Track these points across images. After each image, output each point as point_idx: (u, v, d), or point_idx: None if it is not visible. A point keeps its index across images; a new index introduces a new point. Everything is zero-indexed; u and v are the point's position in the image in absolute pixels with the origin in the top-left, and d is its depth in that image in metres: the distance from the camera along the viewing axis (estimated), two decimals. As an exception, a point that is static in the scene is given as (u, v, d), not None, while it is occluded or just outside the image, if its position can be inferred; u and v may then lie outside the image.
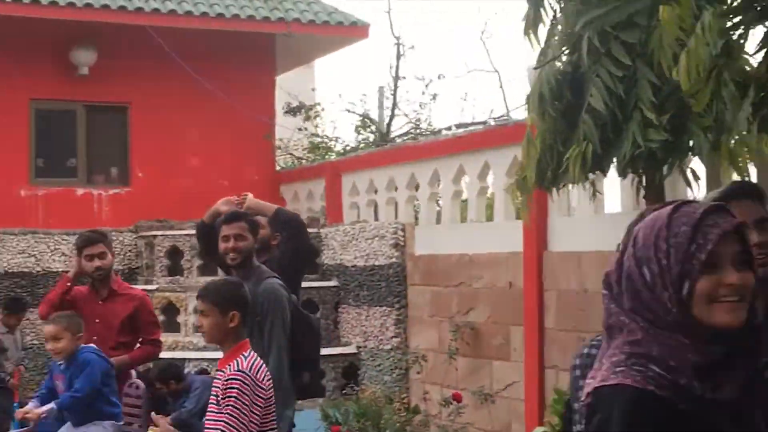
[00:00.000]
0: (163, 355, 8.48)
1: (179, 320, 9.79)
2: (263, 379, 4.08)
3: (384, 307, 9.14)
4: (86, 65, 10.96)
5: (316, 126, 13.42)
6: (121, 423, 5.94)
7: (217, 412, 4.04)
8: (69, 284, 6.22)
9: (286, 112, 12.91)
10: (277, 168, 12.43)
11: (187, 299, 9.80)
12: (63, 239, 10.71)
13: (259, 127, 11.84)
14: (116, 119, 11.46)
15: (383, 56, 27.13)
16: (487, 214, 8.94)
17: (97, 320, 6.30)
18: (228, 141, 11.82)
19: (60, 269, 10.58)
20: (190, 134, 11.67)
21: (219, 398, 4.04)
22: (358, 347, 9.44)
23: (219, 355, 9.03)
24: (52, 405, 5.66)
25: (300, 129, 13.46)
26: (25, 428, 5.94)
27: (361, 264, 9.44)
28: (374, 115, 14.10)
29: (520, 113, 14.73)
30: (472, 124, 12.50)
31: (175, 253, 10.34)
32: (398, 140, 13.54)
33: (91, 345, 5.89)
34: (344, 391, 9.11)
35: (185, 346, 9.60)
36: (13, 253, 10.48)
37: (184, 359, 9.36)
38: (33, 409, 5.75)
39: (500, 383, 7.72)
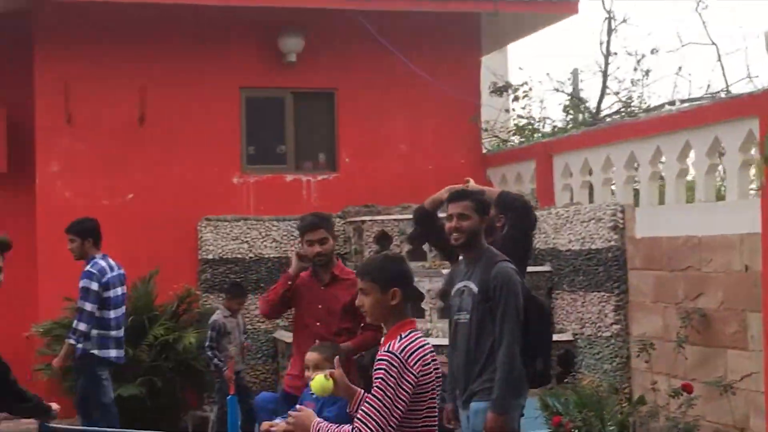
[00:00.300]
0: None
1: (390, 306, 9.63)
2: (414, 364, 3.70)
3: (602, 293, 8.70)
4: (294, 52, 11.00)
5: (524, 107, 13.01)
6: None
7: None
8: (290, 283, 6.11)
9: (492, 92, 12.57)
10: (483, 151, 12.12)
11: (397, 285, 9.66)
12: (273, 225, 10.82)
13: (465, 109, 11.58)
14: (323, 105, 11.46)
15: (588, 32, 26.05)
16: (716, 194, 8.33)
17: (319, 306, 6.21)
18: (434, 124, 11.63)
19: (271, 255, 10.71)
20: (396, 118, 11.54)
21: None
22: (574, 334, 9.03)
23: (437, 341, 8.93)
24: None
25: (507, 110, 13.10)
26: None
27: (577, 248, 9.03)
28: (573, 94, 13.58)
29: (741, 87, 13.88)
30: (698, 99, 11.78)
31: (383, 238, 10.25)
32: (608, 119, 12.96)
33: None
34: (566, 380, 8.75)
35: (396, 332, 9.44)
36: (226, 239, 10.67)
37: (396, 345, 9.21)
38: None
39: (736, 374, 7.15)
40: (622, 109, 13.30)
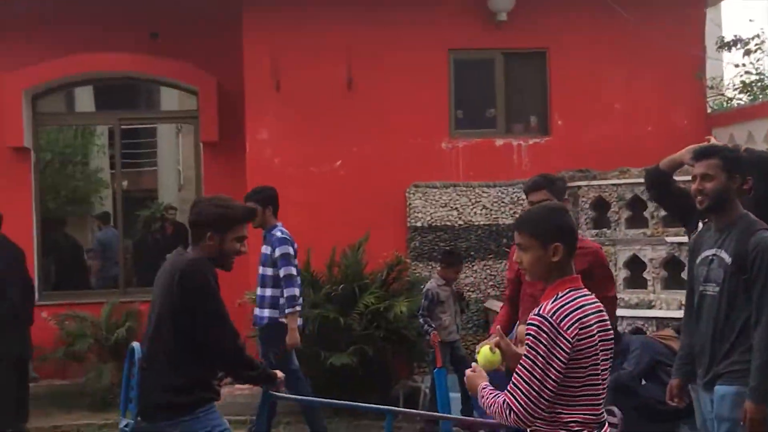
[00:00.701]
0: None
1: (614, 278, 9.07)
2: (569, 327, 3.32)
3: None
4: (504, 11, 10.52)
5: (757, 60, 12.00)
6: None
7: None
8: None
9: (719, 48, 11.67)
10: (708, 110, 11.28)
11: (617, 253, 9.11)
12: (483, 192, 10.45)
13: (687, 65, 10.80)
14: (534, 66, 10.94)
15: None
16: None
17: None
18: (653, 82, 10.91)
19: (481, 222, 10.36)
20: (612, 77, 10.89)
21: None
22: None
23: (660, 313, 8.32)
24: None
25: (737, 65, 12.12)
26: None
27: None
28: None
29: None
30: None
31: (600, 205, 9.68)
32: None
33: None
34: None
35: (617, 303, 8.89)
36: (435, 206, 10.38)
37: (617, 317, 8.66)
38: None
39: None
40: None
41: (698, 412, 4.85)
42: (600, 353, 3.42)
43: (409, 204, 10.39)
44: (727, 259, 4.55)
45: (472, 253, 10.33)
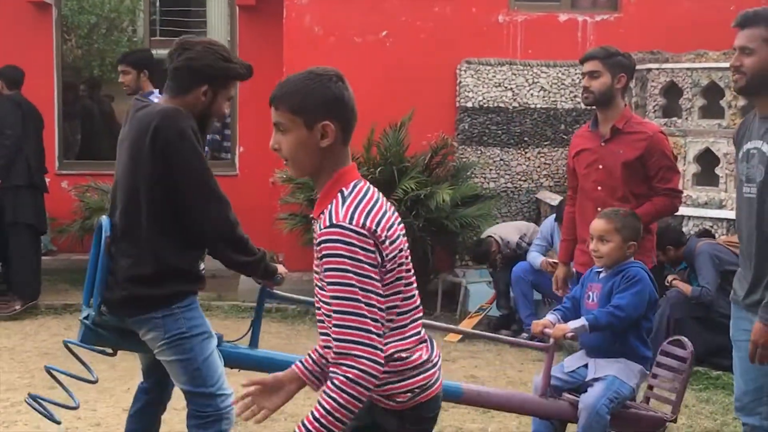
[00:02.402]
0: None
1: (678, 168, 8.19)
2: (376, 229, 2.54)
3: None
4: None
5: None
6: (648, 374, 4.58)
7: None
8: None
9: None
10: (800, -10, 10.13)
11: (687, 145, 8.20)
12: (542, 71, 9.50)
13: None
14: (606, -68, 9.83)
15: None
16: None
17: (600, 166, 5.06)
18: (739, -44, 9.76)
19: (538, 105, 9.47)
20: (693, -52, 9.76)
21: None
22: None
23: (725, 213, 7.45)
24: (582, 321, 4.39)
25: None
26: (543, 345, 4.79)
27: None
28: None
29: None
30: None
31: (672, 91, 8.70)
32: None
33: (639, 262, 4.61)
34: None
35: (683, 201, 8.01)
36: (489, 86, 9.47)
37: (683, 217, 7.83)
38: (554, 323, 4.52)
39: None
40: None
41: (734, 330, 4.02)
42: (406, 260, 2.67)
43: (460, 82, 9.47)
44: None
45: (526, 138, 9.46)
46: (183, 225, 3.68)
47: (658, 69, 8.77)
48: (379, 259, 2.52)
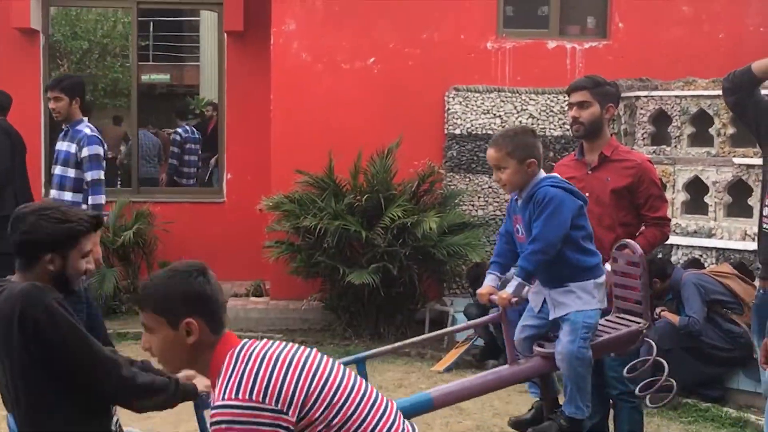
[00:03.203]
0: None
1: (666, 197, 8.14)
2: (278, 390, 2.54)
3: None
4: None
5: None
6: (602, 279, 4.40)
7: None
8: None
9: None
10: (789, 17, 10.12)
11: (676, 173, 8.14)
12: (531, 99, 9.45)
13: (768, -34, 9.63)
14: (595, -40, 9.83)
15: None
16: None
17: (587, 194, 4.99)
18: (727, -16, 9.76)
19: (527, 133, 9.37)
20: (682, -24, 9.75)
21: None
22: None
23: (721, 243, 7.39)
24: (516, 280, 4.23)
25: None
26: (491, 315, 4.69)
27: None
28: None
29: None
30: None
31: (661, 119, 8.65)
32: None
33: (554, 175, 4.45)
34: None
35: (672, 229, 7.93)
36: (477, 113, 9.41)
37: (671, 246, 7.76)
38: (496, 285, 4.38)
39: None
40: None
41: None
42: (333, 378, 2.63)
43: (448, 109, 9.42)
44: None
45: (515, 166, 9.39)
46: (78, 397, 3.34)
47: (647, 96, 8.73)
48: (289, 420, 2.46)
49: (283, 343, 2.70)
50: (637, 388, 4.54)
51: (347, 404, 2.56)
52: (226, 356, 2.59)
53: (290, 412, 2.46)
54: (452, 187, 9.27)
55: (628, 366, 4.64)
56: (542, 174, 4.35)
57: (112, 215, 9.70)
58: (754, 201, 7.46)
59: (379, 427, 2.61)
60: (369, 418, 2.60)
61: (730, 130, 8.00)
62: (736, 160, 7.76)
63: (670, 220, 5.20)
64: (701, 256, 7.66)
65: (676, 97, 8.51)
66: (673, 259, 7.69)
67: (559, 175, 4.46)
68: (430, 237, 8.31)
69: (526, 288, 4.30)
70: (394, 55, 9.48)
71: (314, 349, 2.72)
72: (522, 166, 4.28)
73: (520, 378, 4.43)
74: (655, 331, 6.78)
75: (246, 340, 2.67)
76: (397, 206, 8.34)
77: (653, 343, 4.63)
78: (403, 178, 8.88)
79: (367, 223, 8.35)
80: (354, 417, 2.56)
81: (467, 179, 9.34)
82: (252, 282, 9.92)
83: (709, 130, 8.22)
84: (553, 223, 4.20)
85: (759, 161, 5.90)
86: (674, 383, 4.52)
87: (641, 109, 8.74)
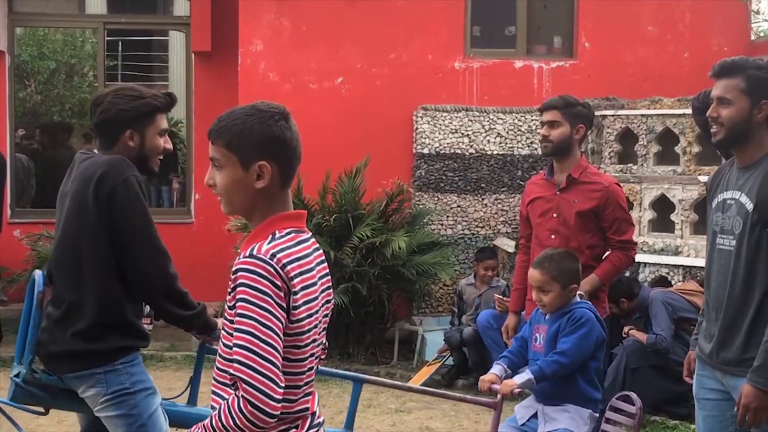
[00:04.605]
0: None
1: (633, 216, 8.18)
2: (294, 277, 2.43)
3: None
4: None
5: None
6: (597, 415, 4.47)
7: None
8: None
9: (768, -34, 10.60)
10: (752, 37, 10.24)
11: (642, 192, 8.19)
12: (499, 118, 9.49)
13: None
14: (561, -20, 9.91)
15: None
16: None
17: (554, 215, 5.03)
18: (691, 5, 9.86)
19: (495, 152, 9.44)
20: (647, -4, 9.85)
21: None
22: None
23: (688, 261, 7.44)
24: (528, 375, 4.31)
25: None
26: (487, 401, 4.72)
27: None
28: None
29: None
30: None
31: (627, 137, 8.72)
32: None
33: (588, 302, 4.56)
34: None
35: (639, 247, 7.98)
36: (445, 132, 9.43)
37: (639, 264, 7.80)
38: (501, 376, 4.46)
39: None
40: None
41: (698, 387, 3.90)
42: (318, 326, 2.52)
43: (416, 128, 9.44)
44: (748, 204, 3.58)
45: (483, 185, 9.42)
46: (123, 276, 3.57)
47: (613, 115, 8.80)
48: (286, 307, 2.40)
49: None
50: None
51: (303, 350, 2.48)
52: (285, 230, 2.49)
53: (293, 300, 2.42)
54: (421, 206, 9.27)
55: None
56: (577, 298, 4.51)
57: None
58: (720, 219, 7.50)
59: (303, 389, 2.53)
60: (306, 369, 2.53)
61: (696, 149, 8.07)
62: (702, 179, 7.81)
63: (635, 243, 5.25)
64: (668, 273, 7.70)
65: (642, 116, 8.59)
66: (641, 277, 7.73)
67: (591, 304, 4.58)
68: (399, 256, 8.30)
69: (529, 385, 4.39)
70: (362, 75, 9.49)
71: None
72: (565, 291, 4.43)
73: None
74: (624, 349, 6.82)
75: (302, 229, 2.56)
76: (366, 226, 8.33)
77: None
78: (371, 197, 8.87)
79: (335, 243, 8.32)
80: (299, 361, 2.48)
81: (436, 198, 9.36)
82: (221, 303, 9.84)
83: (675, 148, 8.30)
84: (583, 344, 4.34)
85: (723, 179, 5.95)
86: None
87: (608, 128, 8.80)
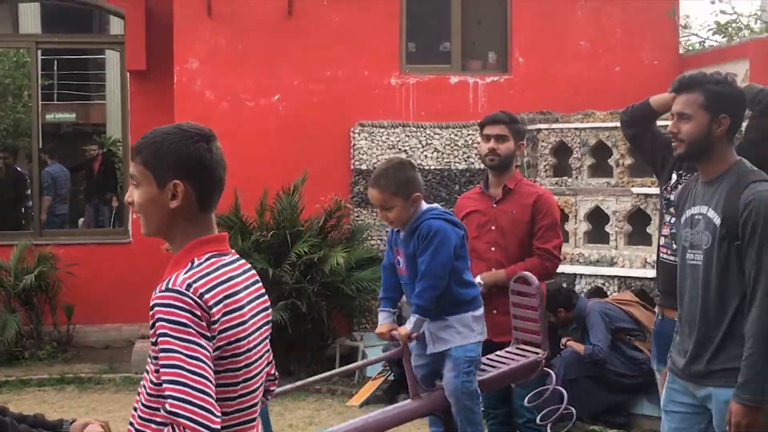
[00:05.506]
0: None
1: (567, 228, 8.30)
2: (214, 305, 2.37)
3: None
4: (462, -67, 9.58)
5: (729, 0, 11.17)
6: (480, 312, 4.45)
7: None
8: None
9: (694, -18, 10.83)
10: (681, 51, 10.45)
11: (577, 204, 8.30)
12: (435, 133, 9.55)
13: (660, 3, 9.94)
14: (495, -4, 10.03)
15: None
16: None
17: (493, 227, 5.09)
18: (621, 19, 10.04)
19: (432, 167, 9.48)
20: (577, 12, 9.99)
21: None
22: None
23: (622, 271, 7.56)
24: (413, 317, 4.28)
25: (712, 2, 11.26)
26: (392, 351, 4.72)
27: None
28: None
29: None
30: None
31: (562, 150, 8.83)
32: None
33: (435, 206, 4.46)
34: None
35: (575, 258, 8.12)
36: (383, 148, 9.48)
37: (574, 275, 7.90)
38: (392, 323, 4.44)
39: None
40: None
41: (666, 400, 3.95)
42: (257, 347, 2.50)
43: (354, 144, 9.47)
44: (716, 219, 3.61)
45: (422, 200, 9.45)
46: None
47: (548, 129, 8.90)
48: (209, 335, 2.36)
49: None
50: (539, 417, 4.59)
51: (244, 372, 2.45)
52: (205, 255, 2.44)
53: (212, 329, 2.37)
54: (360, 222, 9.30)
55: (529, 395, 4.70)
56: (424, 206, 4.38)
57: (13, 258, 9.48)
58: (652, 229, 7.64)
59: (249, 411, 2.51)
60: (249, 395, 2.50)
61: (629, 161, 8.20)
62: (635, 190, 7.94)
63: (556, 256, 5.17)
64: (604, 284, 7.81)
65: (576, 129, 8.70)
66: (577, 288, 7.83)
67: (438, 206, 4.50)
68: (338, 272, 8.31)
69: (425, 323, 4.34)
70: (298, 92, 9.51)
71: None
72: (408, 203, 4.31)
73: (421, 413, 4.44)
74: (562, 360, 6.89)
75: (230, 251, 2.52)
76: (304, 242, 8.33)
77: (553, 373, 4.70)
78: (310, 214, 8.88)
79: (274, 260, 8.31)
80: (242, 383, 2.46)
81: (374, 214, 9.37)
82: (159, 323, 9.75)
83: (609, 160, 8.41)
84: (440, 256, 4.25)
85: (657, 190, 6.06)
86: (573, 412, 4.58)
87: (543, 141, 8.90)
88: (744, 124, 4.08)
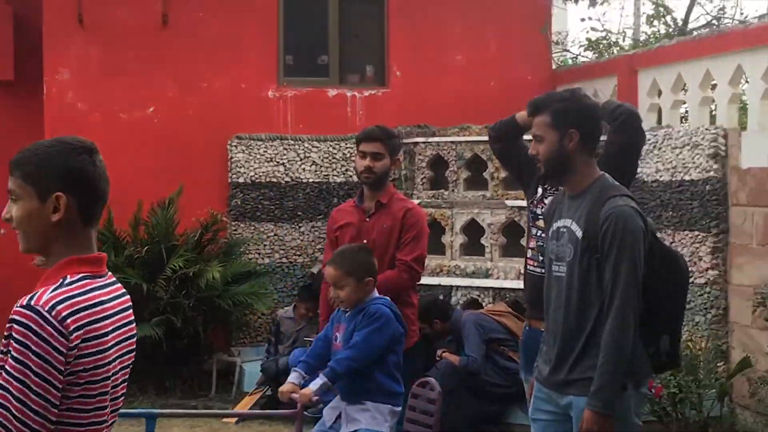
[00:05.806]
0: (425, 281, 7.19)
1: (444, 241, 8.40)
2: (74, 331, 2.24)
3: (696, 232, 7.36)
4: (340, -53, 9.60)
5: (603, 15, 11.50)
6: (398, 409, 4.52)
7: None
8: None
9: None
10: (553, 66, 10.69)
11: (454, 216, 8.41)
12: (313, 146, 9.53)
13: (533, 17, 10.16)
14: (372, 11, 10.06)
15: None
16: None
17: (365, 240, 5.12)
18: (496, 35, 10.22)
19: (310, 180, 9.47)
20: (454, 27, 10.13)
21: None
22: (661, 280, 7.69)
23: (497, 283, 7.67)
24: (322, 378, 4.29)
25: (582, 19, 11.56)
26: (288, 411, 4.71)
27: (666, 179, 7.66)
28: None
29: None
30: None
31: (438, 163, 8.93)
32: (696, 33, 11.43)
33: (386, 297, 4.58)
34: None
35: (451, 270, 8.21)
36: (260, 161, 9.40)
37: (450, 287, 7.99)
38: (297, 385, 4.43)
39: None
40: (713, 21, 11.73)
41: (534, 408, 4.03)
42: (115, 375, 2.40)
43: (231, 157, 9.37)
44: (578, 232, 3.70)
45: (300, 213, 9.43)
46: None
47: (424, 142, 8.99)
48: (64, 361, 2.25)
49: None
50: None
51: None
52: (77, 275, 2.33)
53: (69, 356, 2.26)
54: (237, 235, 9.20)
55: None
56: (375, 293, 4.51)
57: None
58: (526, 241, 7.78)
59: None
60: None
61: (503, 174, 8.34)
62: (509, 203, 8.09)
63: (415, 269, 5.21)
64: (479, 296, 7.92)
65: (452, 142, 8.81)
66: (453, 300, 7.92)
67: (389, 299, 4.60)
68: (214, 287, 8.21)
69: (326, 389, 4.36)
70: (173, 104, 9.36)
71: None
72: (360, 284, 4.43)
73: None
74: (437, 372, 6.95)
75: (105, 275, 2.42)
76: (179, 257, 8.20)
77: None
78: (186, 228, 8.74)
79: (148, 275, 8.15)
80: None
81: (252, 227, 9.30)
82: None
83: (484, 174, 8.55)
84: (375, 338, 4.35)
85: (527, 203, 6.18)
86: None
87: (420, 154, 8.99)
88: (603, 139, 4.19)
